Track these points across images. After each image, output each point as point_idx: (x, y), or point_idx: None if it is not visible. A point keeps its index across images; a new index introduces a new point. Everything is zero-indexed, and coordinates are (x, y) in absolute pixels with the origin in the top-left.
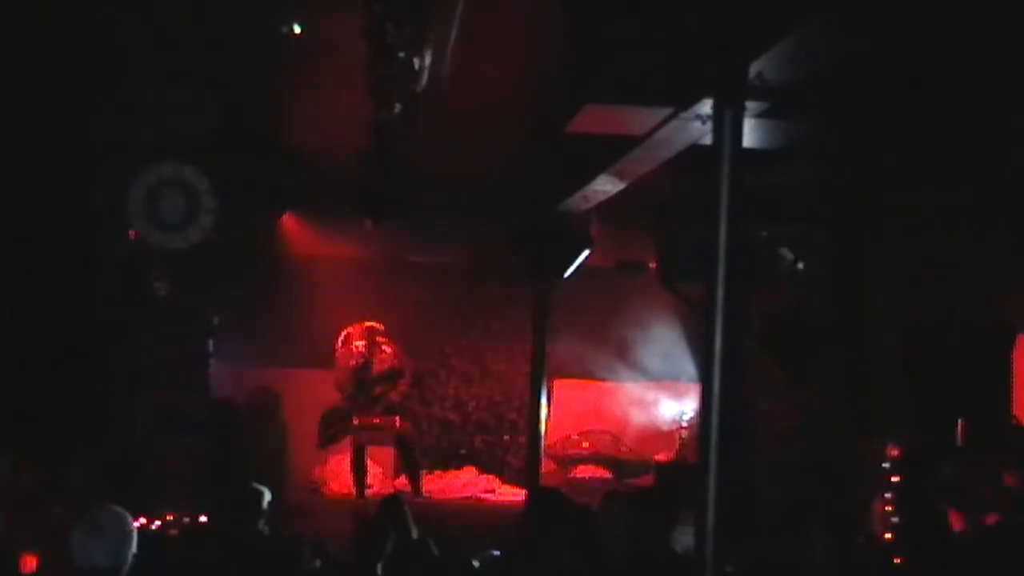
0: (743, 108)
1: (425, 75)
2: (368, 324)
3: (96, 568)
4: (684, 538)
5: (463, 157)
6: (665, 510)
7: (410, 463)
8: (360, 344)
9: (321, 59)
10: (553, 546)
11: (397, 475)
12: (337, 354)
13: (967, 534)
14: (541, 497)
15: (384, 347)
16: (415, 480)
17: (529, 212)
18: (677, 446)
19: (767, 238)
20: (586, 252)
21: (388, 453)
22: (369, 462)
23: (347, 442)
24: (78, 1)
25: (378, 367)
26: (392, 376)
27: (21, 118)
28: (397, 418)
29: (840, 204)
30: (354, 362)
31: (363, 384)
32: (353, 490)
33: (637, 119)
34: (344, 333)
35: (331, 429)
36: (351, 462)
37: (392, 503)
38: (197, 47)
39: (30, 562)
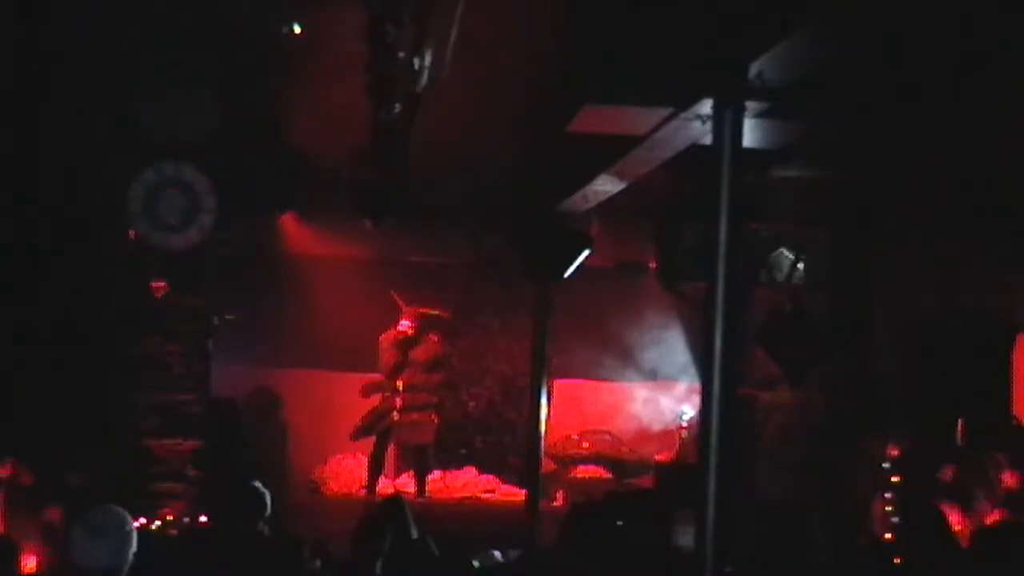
0: (743, 108)
1: (425, 75)
2: (423, 310)
3: (96, 568)
4: (684, 538)
5: (463, 157)
6: (665, 510)
7: (422, 464)
8: (408, 324)
9: (321, 59)
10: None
11: (398, 475)
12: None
13: (967, 534)
14: (589, 516)
15: (432, 336)
16: (422, 481)
17: (529, 212)
18: (677, 446)
19: (767, 238)
20: (586, 252)
21: (390, 453)
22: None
23: (351, 441)
24: (78, 1)
25: (424, 352)
26: (434, 365)
27: (21, 118)
28: (433, 414)
29: (840, 204)
30: (400, 339)
31: (406, 363)
32: (356, 490)
33: (637, 119)
34: (398, 303)
35: (370, 421)
36: (370, 456)
37: (392, 503)
38: (197, 47)
39: (30, 562)
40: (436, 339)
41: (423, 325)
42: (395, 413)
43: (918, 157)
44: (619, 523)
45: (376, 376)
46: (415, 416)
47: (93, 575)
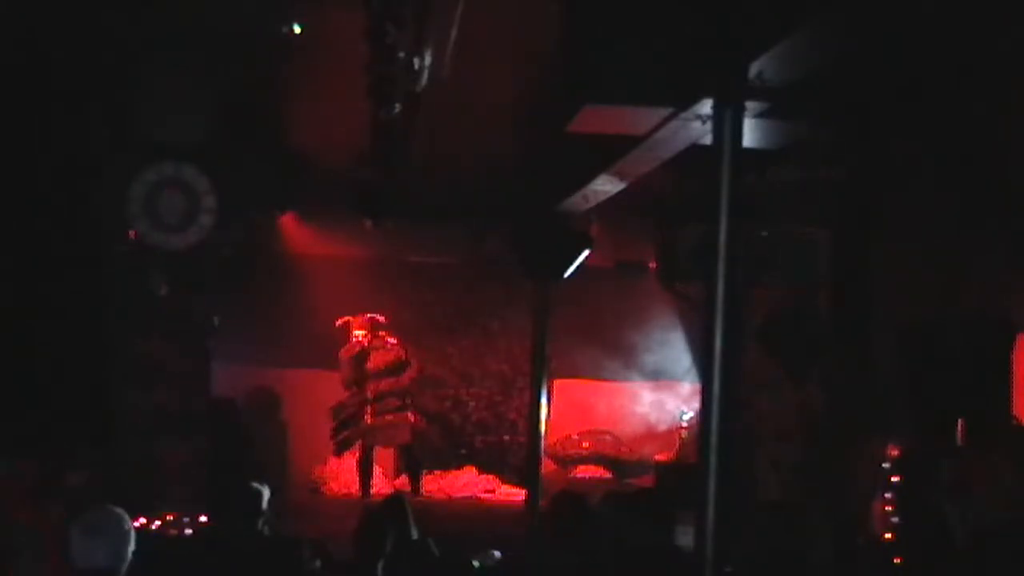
0: (743, 108)
1: (425, 75)
2: (370, 315)
3: (96, 568)
4: (684, 538)
5: (463, 157)
6: (665, 510)
7: (411, 462)
8: (360, 334)
9: (321, 59)
10: (563, 548)
11: (397, 475)
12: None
13: (967, 534)
14: (563, 504)
15: (388, 339)
16: (415, 479)
17: (529, 212)
18: (677, 446)
19: (767, 238)
20: (586, 252)
21: (389, 453)
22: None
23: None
24: (78, 1)
25: (383, 358)
26: (398, 368)
27: (21, 118)
28: (410, 414)
29: (840, 204)
30: (356, 351)
31: (366, 374)
32: (355, 490)
33: (637, 119)
34: (344, 321)
35: (344, 432)
36: (358, 461)
37: (394, 502)
38: (197, 47)
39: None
40: (395, 342)
41: (376, 331)
42: (367, 417)
43: (918, 157)
44: (597, 513)
45: (340, 396)
46: (389, 418)
47: (92, 575)
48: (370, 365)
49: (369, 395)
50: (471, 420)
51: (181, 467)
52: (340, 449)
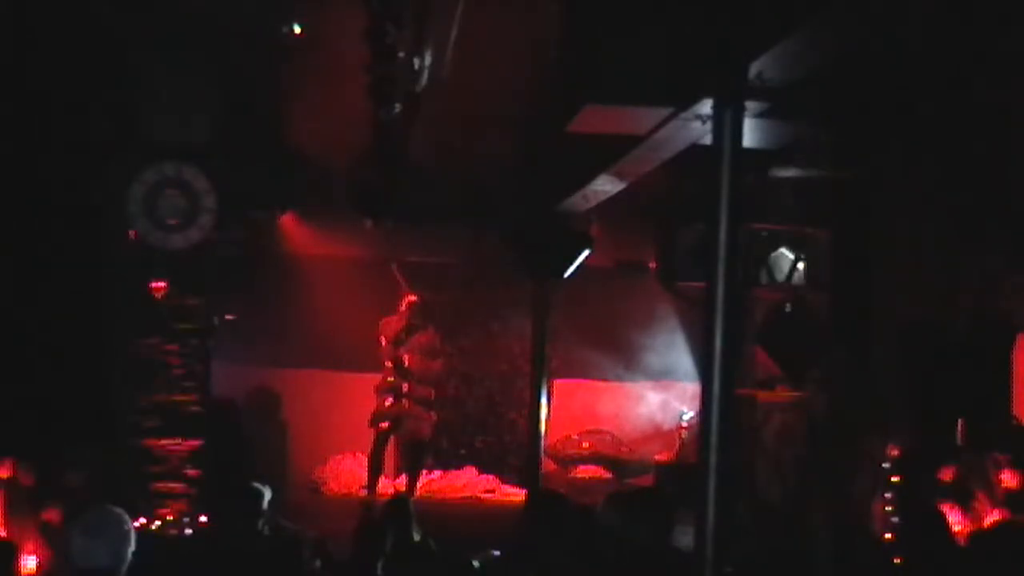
0: (743, 108)
1: (425, 75)
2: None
3: (95, 568)
4: (684, 538)
5: (463, 157)
6: (665, 510)
7: (417, 462)
8: (413, 298)
9: (321, 59)
10: (553, 548)
11: (397, 475)
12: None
13: (967, 534)
14: (541, 500)
15: (430, 325)
16: (413, 480)
17: (529, 212)
18: (677, 446)
19: (767, 238)
20: (586, 252)
21: (390, 453)
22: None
23: (351, 441)
24: (79, 1)
25: (424, 339)
26: (431, 352)
27: (21, 118)
28: (433, 413)
29: (840, 204)
30: (410, 303)
31: (412, 331)
32: (355, 490)
33: (637, 119)
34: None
35: (388, 394)
36: (370, 456)
37: (398, 504)
38: (197, 47)
39: (30, 562)
40: (432, 328)
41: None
42: (405, 402)
43: (918, 157)
44: (595, 514)
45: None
46: (417, 410)
47: (92, 575)
48: (414, 340)
49: (407, 363)
50: (471, 420)
51: (181, 467)
52: (376, 421)
